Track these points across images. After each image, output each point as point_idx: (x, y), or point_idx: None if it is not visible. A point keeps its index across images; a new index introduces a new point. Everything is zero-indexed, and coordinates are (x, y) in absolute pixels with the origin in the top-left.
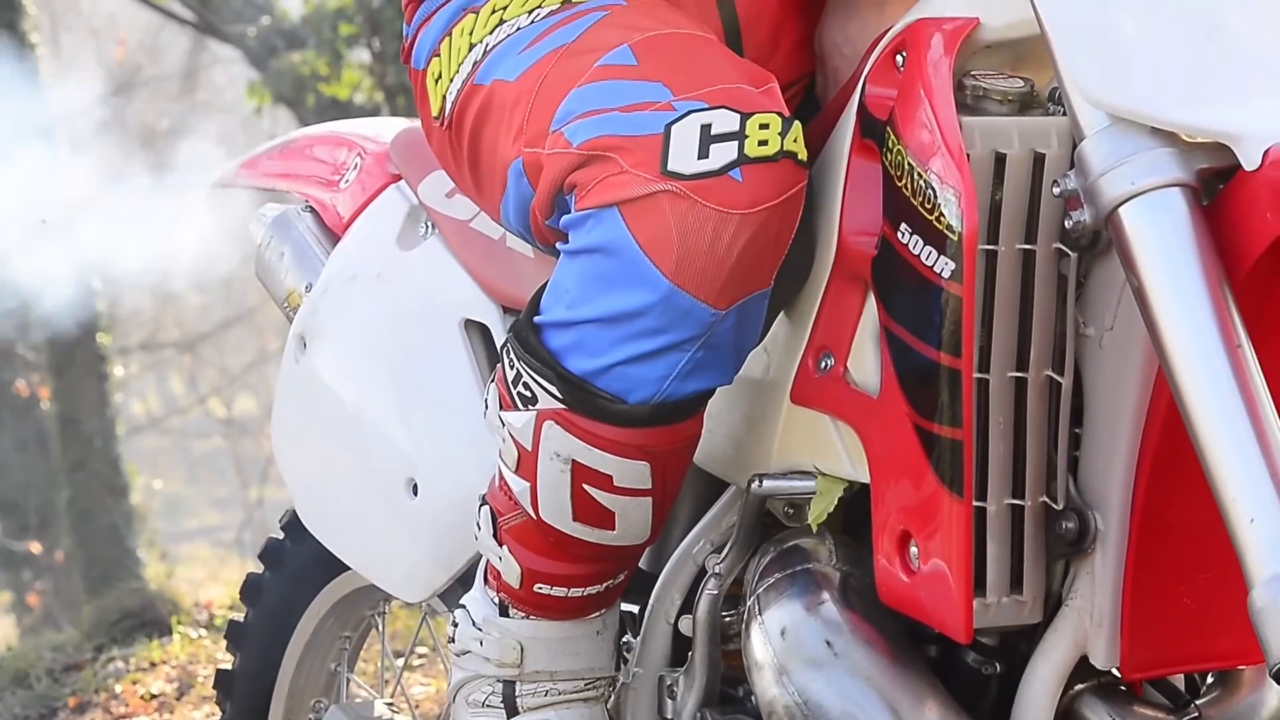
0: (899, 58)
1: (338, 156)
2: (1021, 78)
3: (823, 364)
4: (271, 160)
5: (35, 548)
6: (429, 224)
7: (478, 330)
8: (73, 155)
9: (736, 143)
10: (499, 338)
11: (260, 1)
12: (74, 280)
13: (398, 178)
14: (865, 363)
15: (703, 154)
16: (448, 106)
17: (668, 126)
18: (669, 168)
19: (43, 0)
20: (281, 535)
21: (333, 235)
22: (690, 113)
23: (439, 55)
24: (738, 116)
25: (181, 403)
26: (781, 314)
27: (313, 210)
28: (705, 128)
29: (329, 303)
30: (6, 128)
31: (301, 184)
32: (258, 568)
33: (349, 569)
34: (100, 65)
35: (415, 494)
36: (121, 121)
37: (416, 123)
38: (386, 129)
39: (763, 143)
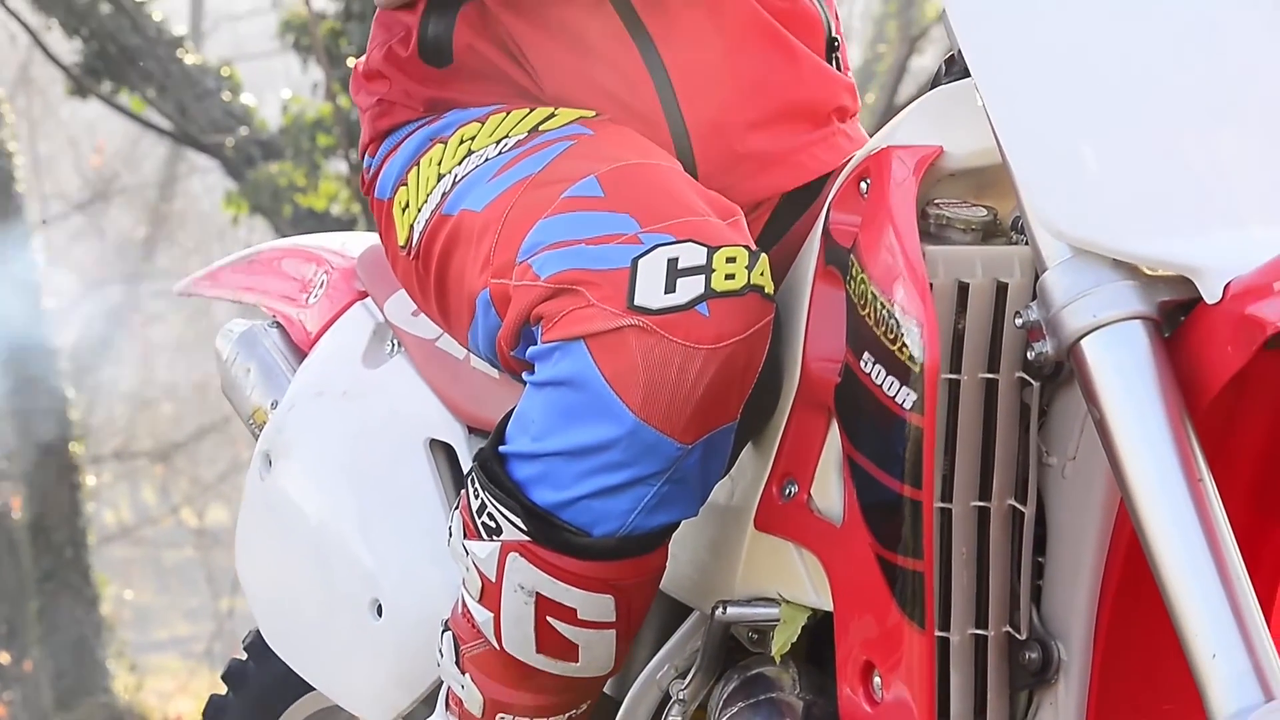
0: (863, 184)
1: (305, 272)
2: (985, 206)
3: (787, 491)
4: (238, 273)
5: (4, 658)
6: (395, 342)
7: (443, 450)
8: (48, 263)
9: (703, 277)
10: (464, 458)
11: (238, 112)
12: (48, 388)
13: (364, 295)
14: (829, 490)
15: (669, 288)
16: (415, 236)
17: (634, 260)
18: (635, 302)
19: (21, 107)
20: (244, 656)
21: (299, 351)
22: (657, 246)
23: (406, 185)
24: (704, 250)
25: (154, 512)
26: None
27: (279, 325)
28: (672, 261)
29: (294, 420)
30: None
31: (268, 298)
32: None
33: (313, 689)
34: (77, 173)
35: (379, 615)
36: (98, 229)
37: None
38: (354, 244)
39: (729, 276)
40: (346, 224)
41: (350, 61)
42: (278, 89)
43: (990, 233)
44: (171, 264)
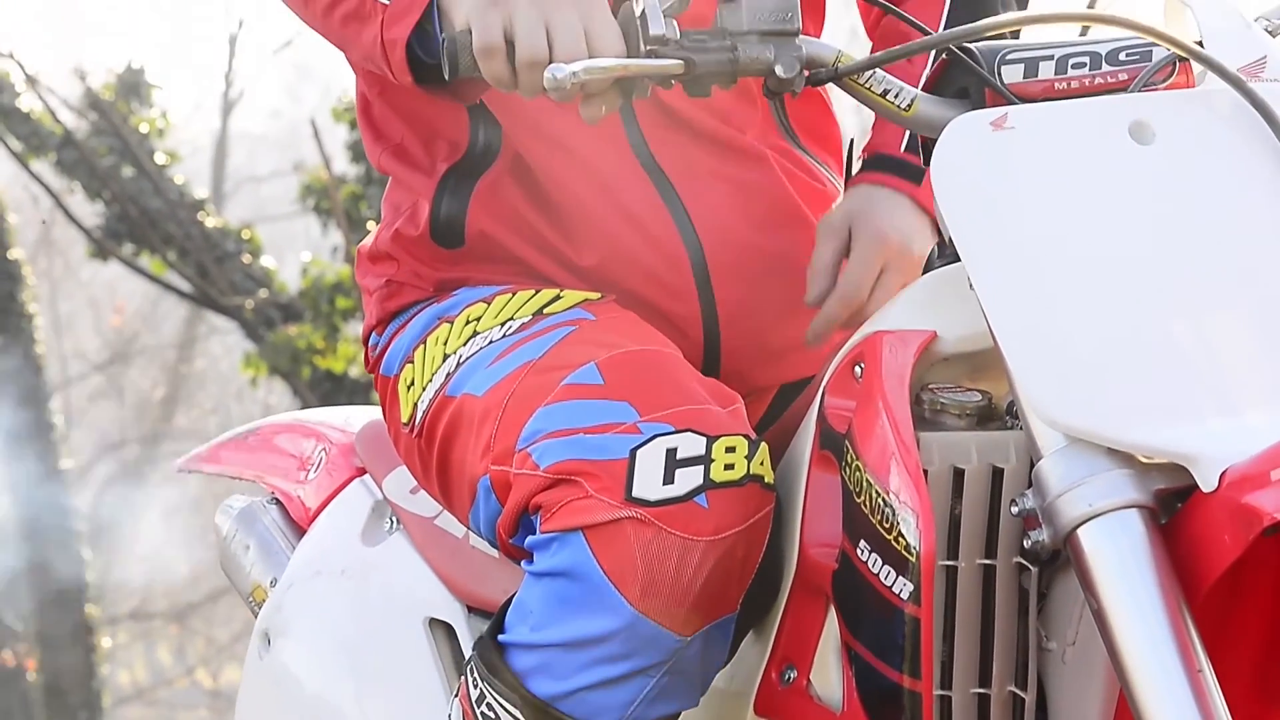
0: (857, 369)
1: (304, 448)
2: (980, 390)
3: (786, 676)
4: (238, 449)
5: None
6: (394, 519)
7: (442, 629)
8: (67, 423)
9: (702, 467)
10: (463, 638)
11: (258, 274)
12: (64, 549)
13: (363, 471)
14: (828, 677)
15: (668, 479)
16: (419, 415)
17: (633, 451)
18: (634, 494)
19: (42, 268)
20: None
21: (298, 528)
22: (656, 436)
23: (412, 362)
24: (703, 440)
25: (169, 673)
26: None
27: (278, 502)
28: (671, 452)
29: (293, 599)
30: (3, 395)
31: (267, 475)
32: None
33: None
34: (97, 333)
35: None
36: (117, 389)
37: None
38: (356, 419)
39: (729, 466)
40: (365, 387)
41: (370, 225)
42: (298, 251)
43: (985, 417)
44: (190, 424)
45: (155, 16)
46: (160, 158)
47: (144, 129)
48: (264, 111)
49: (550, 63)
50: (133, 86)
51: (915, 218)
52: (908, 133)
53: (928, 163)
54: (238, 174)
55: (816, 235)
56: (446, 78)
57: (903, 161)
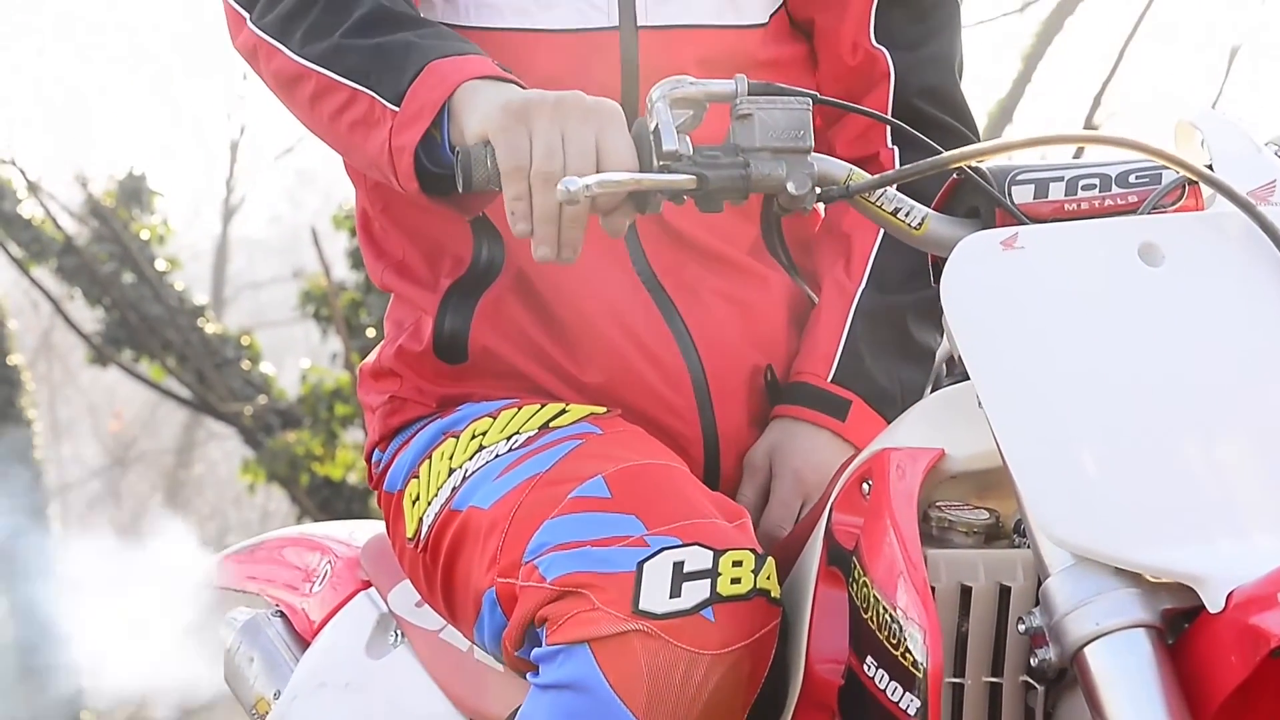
0: (865, 486)
1: (308, 561)
2: (987, 509)
3: None
4: (242, 561)
5: None
6: (398, 633)
7: None
8: (64, 528)
9: (709, 581)
10: None
11: (257, 381)
12: (60, 655)
13: (368, 584)
14: None
15: (675, 592)
16: (424, 530)
17: (640, 564)
18: (640, 606)
19: (41, 373)
20: None
21: (302, 641)
22: (663, 550)
23: (417, 477)
24: (710, 553)
25: None
26: None
27: (283, 615)
28: (678, 565)
29: (297, 711)
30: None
31: (272, 587)
32: None
33: None
34: (96, 439)
35: None
36: (115, 495)
37: None
38: (361, 532)
39: (735, 580)
40: (363, 494)
41: (369, 332)
42: (297, 356)
43: (992, 535)
44: (188, 531)
45: (157, 123)
46: (161, 264)
47: (145, 235)
48: (264, 217)
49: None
50: (134, 193)
51: (837, 451)
52: (837, 359)
53: (937, 281)
54: (238, 279)
55: (743, 470)
56: (460, 190)
57: (827, 395)
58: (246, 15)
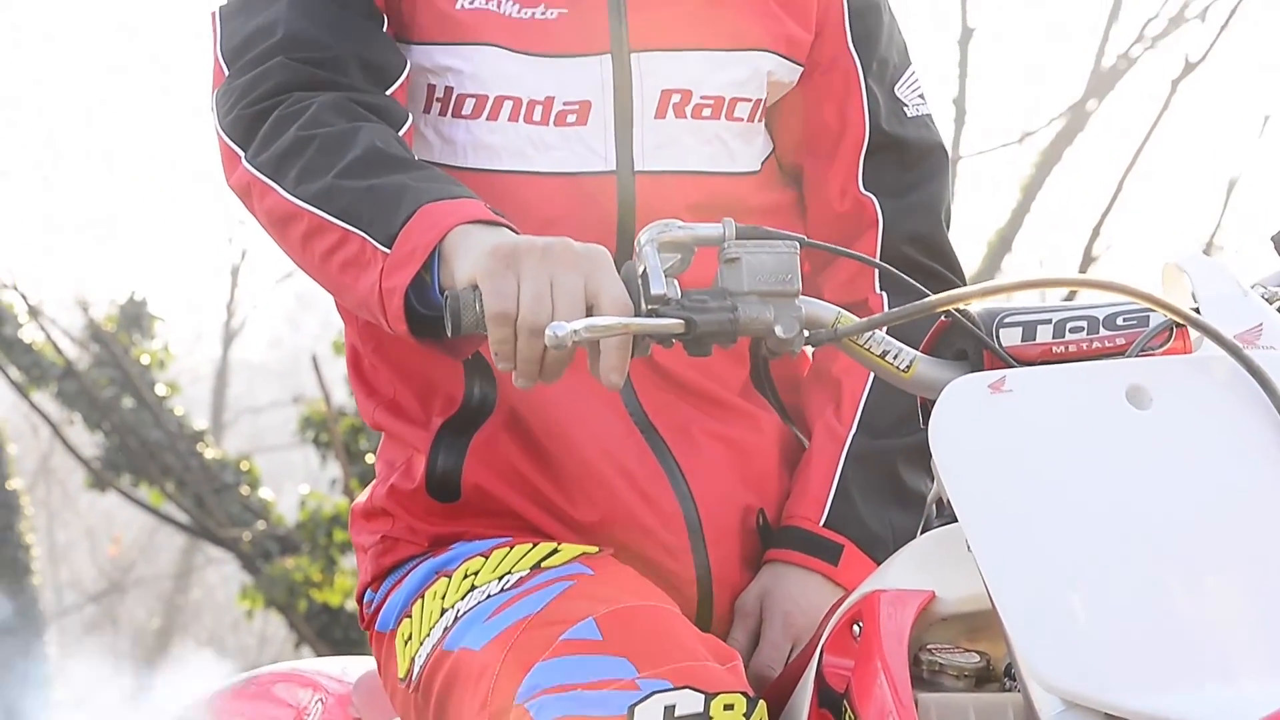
0: (856, 628)
1: (300, 698)
2: (978, 651)
3: None
4: (235, 699)
5: None
6: None
7: None
8: (61, 653)
9: None
10: None
11: (256, 506)
12: None
13: None
14: None
15: None
16: (416, 670)
17: (631, 708)
18: None
19: (40, 497)
20: None
21: None
22: (654, 693)
23: (410, 616)
24: (702, 697)
25: None
26: None
27: None
28: (669, 709)
29: None
30: None
31: None
32: None
33: None
34: (94, 563)
35: None
36: (112, 619)
37: None
38: (351, 669)
39: None
40: None
41: (369, 458)
42: (296, 481)
43: (983, 679)
44: (186, 656)
45: (159, 247)
46: (161, 389)
47: (145, 360)
48: (265, 341)
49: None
50: (135, 318)
51: (828, 595)
52: (828, 504)
53: (926, 423)
54: (237, 404)
55: (735, 613)
56: (449, 334)
57: (819, 539)
58: (241, 153)
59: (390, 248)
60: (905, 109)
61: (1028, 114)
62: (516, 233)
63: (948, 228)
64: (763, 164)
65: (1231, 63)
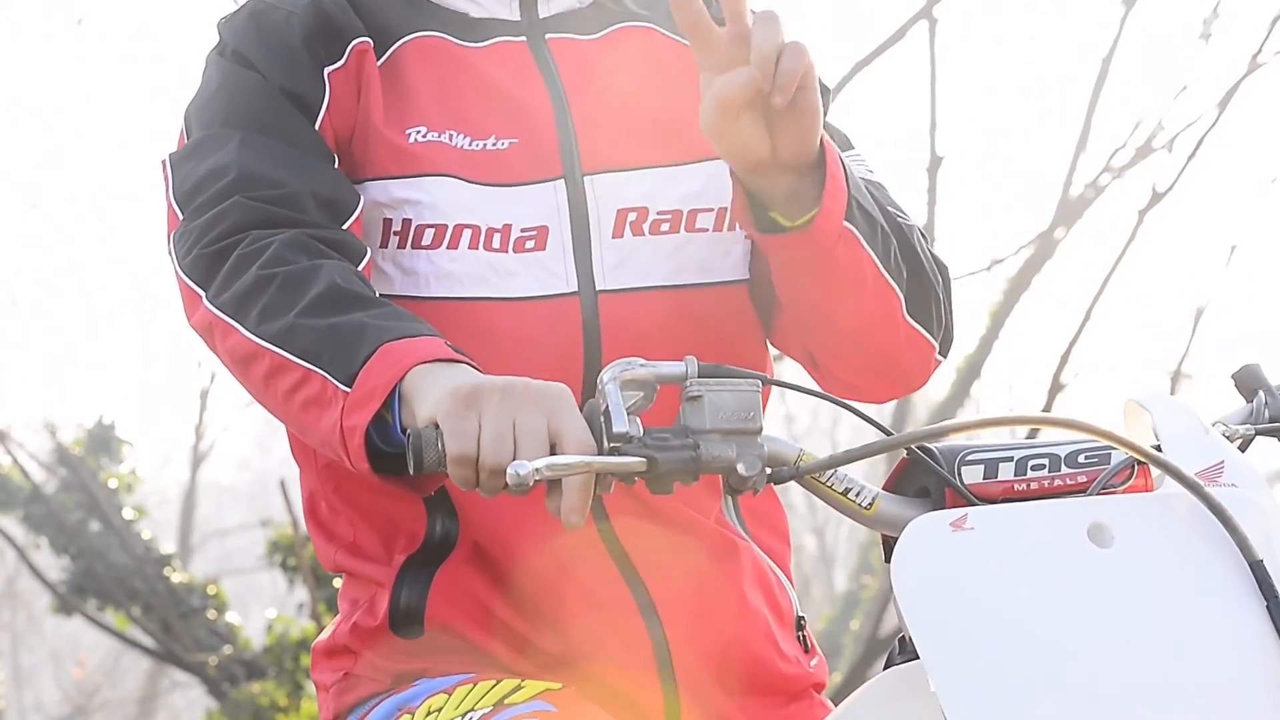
0: None
1: None
2: None
3: None
4: None
5: None
6: None
7: None
8: None
9: None
10: None
11: (222, 630)
12: None
13: None
14: None
15: None
16: None
17: None
18: None
19: (5, 620)
20: None
21: None
22: None
23: None
24: None
25: None
26: None
27: None
28: None
29: None
30: None
31: None
32: None
33: None
34: (58, 687)
35: None
36: None
37: None
38: None
39: None
40: None
41: (336, 582)
42: (263, 604)
43: None
44: None
45: (128, 371)
46: (128, 512)
47: (113, 484)
48: (233, 463)
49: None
50: (103, 442)
51: None
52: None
53: (888, 560)
54: (205, 526)
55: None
56: (411, 472)
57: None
58: (202, 293)
59: (351, 386)
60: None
61: (997, 241)
62: (478, 370)
63: (930, 241)
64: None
65: (1199, 192)
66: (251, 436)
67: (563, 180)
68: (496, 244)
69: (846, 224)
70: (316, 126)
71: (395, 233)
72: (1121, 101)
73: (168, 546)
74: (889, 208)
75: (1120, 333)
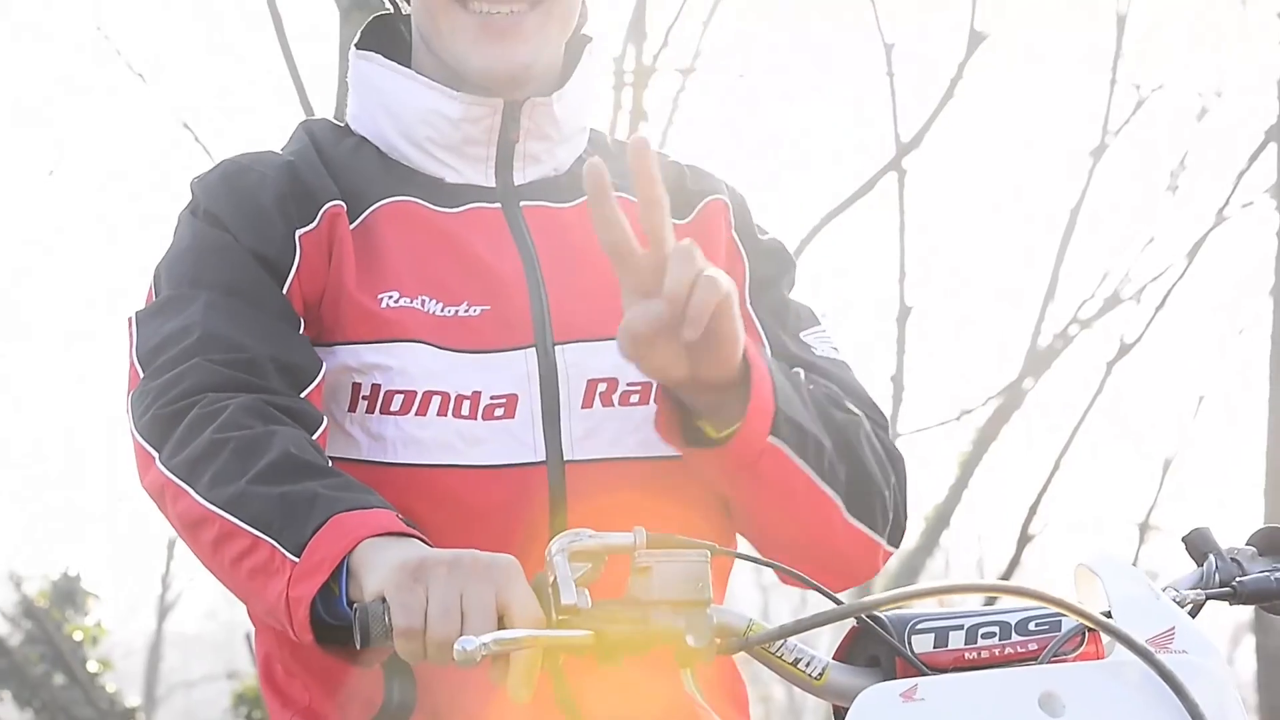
0: None
1: None
2: None
3: None
4: None
5: None
6: None
7: None
8: None
9: None
10: None
11: None
12: None
13: None
14: None
15: None
16: None
17: None
18: None
19: None
20: None
21: None
22: None
23: None
24: None
25: None
26: None
27: None
28: None
29: None
30: None
31: None
32: None
33: None
34: None
35: None
36: None
37: None
38: None
39: None
40: None
41: None
42: None
43: None
44: None
45: (95, 523)
46: (93, 665)
47: (78, 637)
48: (200, 613)
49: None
50: (68, 594)
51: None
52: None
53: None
54: (171, 677)
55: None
56: (357, 646)
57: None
58: (156, 455)
59: (299, 556)
60: (813, 349)
61: (965, 392)
62: (428, 544)
63: (889, 428)
64: None
65: (1166, 343)
66: (219, 586)
67: (534, 349)
68: (465, 411)
69: (772, 439)
70: (285, 289)
71: (364, 397)
72: (1089, 252)
73: (133, 699)
74: (833, 409)
75: (1089, 483)
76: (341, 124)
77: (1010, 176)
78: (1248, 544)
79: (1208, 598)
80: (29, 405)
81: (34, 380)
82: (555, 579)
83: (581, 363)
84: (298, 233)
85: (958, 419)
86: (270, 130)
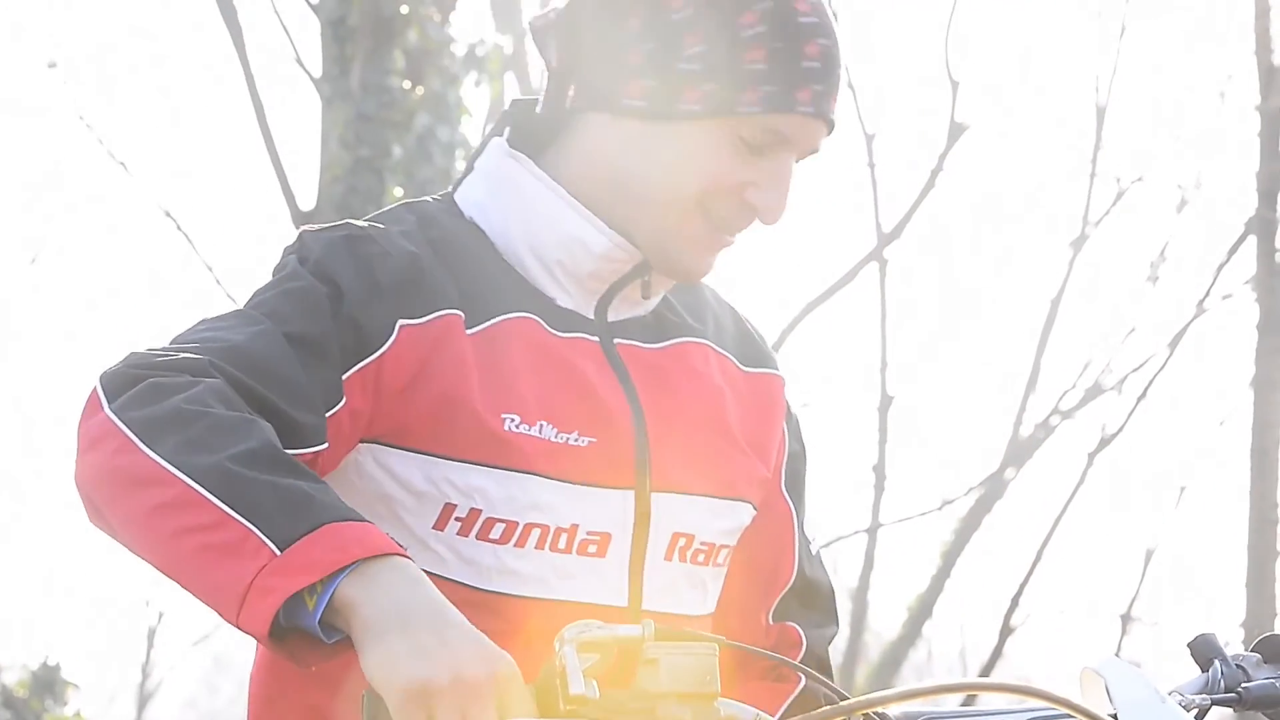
0: None
1: None
2: None
3: None
4: None
5: None
6: None
7: None
8: None
9: None
10: None
11: None
12: None
13: None
14: None
15: None
16: None
17: None
18: None
19: None
20: None
21: None
22: None
23: None
24: None
25: None
26: None
27: None
28: None
29: None
30: None
31: None
32: None
33: None
34: None
35: None
36: None
37: None
38: None
39: None
40: None
41: None
42: None
43: None
44: None
45: (74, 611)
46: None
47: None
48: (180, 702)
49: None
50: (47, 684)
51: None
52: None
53: None
54: None
55: None
56: None
57: None
58: (106, 402)
59: (282, 549)
60: (811, 545)
61: (947, 481)
62: (416, 568)
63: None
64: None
65: (1147, 434)
66: (199, 676)
67: (633, 492)
68: (562, 544)
69: None
70: (360, 368)
71: (458, 518)
72: (1071, 342)
73: None
74: None
75: (1071, 574)
76: (444, 199)
77: (991, 266)
78: (1252, 650)
79: (1213, 703)
80: (4, 490)
81: (9, 467)
82: (564, 668)
83: (671, 513)
84: (400, 321)
85: (940, 509)
86: (253, 218)
